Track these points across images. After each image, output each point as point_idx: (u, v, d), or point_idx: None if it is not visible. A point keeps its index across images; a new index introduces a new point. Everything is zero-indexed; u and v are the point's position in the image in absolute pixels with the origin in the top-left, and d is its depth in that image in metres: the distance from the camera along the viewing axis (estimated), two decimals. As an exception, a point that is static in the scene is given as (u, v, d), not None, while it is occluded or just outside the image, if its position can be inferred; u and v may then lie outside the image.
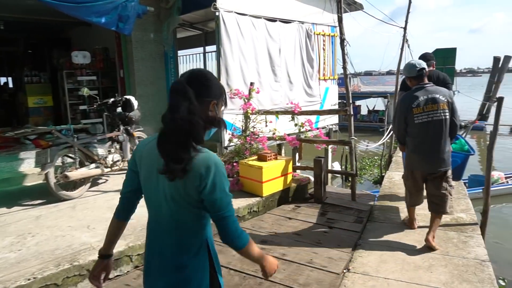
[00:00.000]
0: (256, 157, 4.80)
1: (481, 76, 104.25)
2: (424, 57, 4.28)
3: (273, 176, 4.62)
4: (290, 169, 4.85)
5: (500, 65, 20.44)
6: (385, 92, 20.05)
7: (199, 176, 1.37)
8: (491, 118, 21.52)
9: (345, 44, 4.49)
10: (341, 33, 4.46)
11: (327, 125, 8.22)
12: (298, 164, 5.76)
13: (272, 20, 6.70)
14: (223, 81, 6.00)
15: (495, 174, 10.51)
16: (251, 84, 5.79)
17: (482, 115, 21.10)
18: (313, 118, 7.13)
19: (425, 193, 3.80)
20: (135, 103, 5.24)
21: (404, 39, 7.21)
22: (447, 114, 3.47)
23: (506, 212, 9.14)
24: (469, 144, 4.52)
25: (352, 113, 4.60)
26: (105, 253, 1.64)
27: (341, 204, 4.63)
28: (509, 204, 9.54)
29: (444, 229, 3.98)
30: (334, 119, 8.44)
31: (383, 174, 9.64)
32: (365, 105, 22.18)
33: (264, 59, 6.58)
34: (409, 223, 4.05)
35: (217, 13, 5.82)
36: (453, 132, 3.58)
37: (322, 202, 4.71)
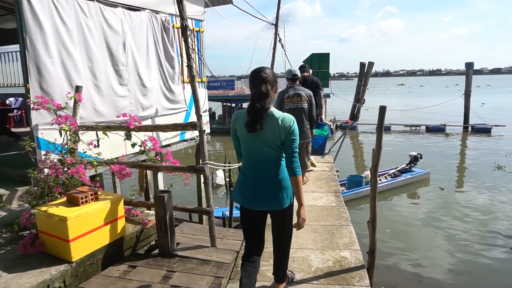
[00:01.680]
0: (65, 199, 3.10)
1: (353, 80, 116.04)
2: (302, 66, 5.80)
3: (90, 227, 2.99)
4: (121, 212, 3.27)
5: (365, 70, 21.92)
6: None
7: (288, 127, 2.27)
8: (362, 118, 23.05)
9: (188, 34, 3.10)
10: (182, 18, 3.06)
11: (197, 136, 6.76)
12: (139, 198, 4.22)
13: (112, 5, 4.99)
14: (33, 84, 4.08)
15: (369, 174, 10.55)
16: (77, 89, 4.04)
17: (354, 116, 22.38)
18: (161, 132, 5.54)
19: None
20: None
21: (276, 37, 6.24)
22: (306, 105, 5.00)
23: (379, 210, 9.05)
24: (329, 130, 6.50)
25: (204, 129, 3.24)
26: None
27: (195, 256, 3.23)
28: (382, 201, 9.52)
29: (327, 282, 2.89)
30: (205, 127, 7.02)
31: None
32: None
33: (102, 55, 4.83)
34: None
35: (15, -13, 3.89)
36: (311, 119, 5.08)
37: (170, 255, 3.25)
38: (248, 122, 2.26)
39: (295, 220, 2.41)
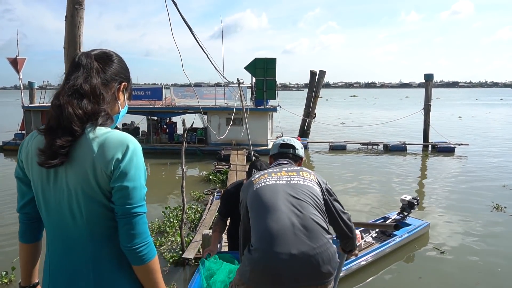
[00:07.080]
0: None
1: (303, 91, 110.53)
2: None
3: None
4: None
5: (316, 80, 18.08)
6: (204, 108, 14.93)
7: (111, 160, 1.00)
8: (313, 135, 19.16)
9: None
10: None
11: None
12: None
13: None
14: None
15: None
16: None
17: (304, 132, 18.37)
18: None
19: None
20: None
21: None
22: (318, 190, 3.15)
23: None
24: None
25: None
26: (27, 284, 1.25)
27: None
28: (362, 284, 5.19)
29: None
30: None
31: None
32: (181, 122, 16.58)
33: None
34: None
35: None
36: (339, 228, 3.43)
37: None
38: (45, 144, 1.01)
39: None
